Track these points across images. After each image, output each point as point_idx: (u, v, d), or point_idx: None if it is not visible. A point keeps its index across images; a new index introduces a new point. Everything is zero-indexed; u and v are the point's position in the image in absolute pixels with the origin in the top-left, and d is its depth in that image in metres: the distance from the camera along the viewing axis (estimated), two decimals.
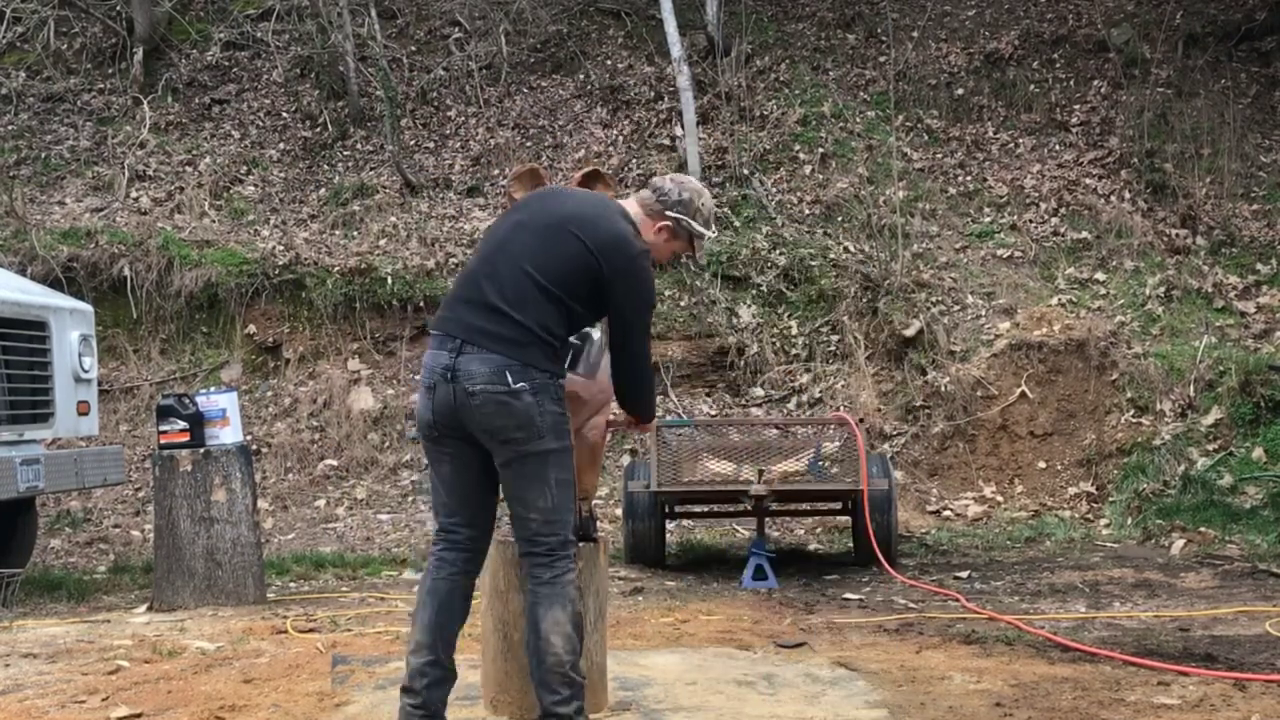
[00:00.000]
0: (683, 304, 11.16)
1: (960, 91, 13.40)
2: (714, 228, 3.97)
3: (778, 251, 11.37)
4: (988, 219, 12.00)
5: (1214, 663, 5.00)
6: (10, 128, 13.56)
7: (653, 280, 3.74)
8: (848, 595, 6.93)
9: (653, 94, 13.51)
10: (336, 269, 11.33)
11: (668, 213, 3.80)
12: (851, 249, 11.49)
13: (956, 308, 10.86)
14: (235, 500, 6.92)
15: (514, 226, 3.73)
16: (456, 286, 3.75)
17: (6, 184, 12.19)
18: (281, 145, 13.58)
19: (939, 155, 12.76)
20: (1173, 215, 11.74)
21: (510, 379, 3.50)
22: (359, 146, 13.47)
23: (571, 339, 3.78)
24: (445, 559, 3.74)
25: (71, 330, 7.75)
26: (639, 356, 3.80)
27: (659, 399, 10.72)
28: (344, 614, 6.52)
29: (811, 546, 8.94)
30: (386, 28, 14.56)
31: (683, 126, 12.49)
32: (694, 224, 3.82)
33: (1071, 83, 13.45)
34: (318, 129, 13.69)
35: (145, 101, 13.75)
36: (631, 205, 3.86)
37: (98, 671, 5.19)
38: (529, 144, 13.14)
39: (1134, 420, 9.68)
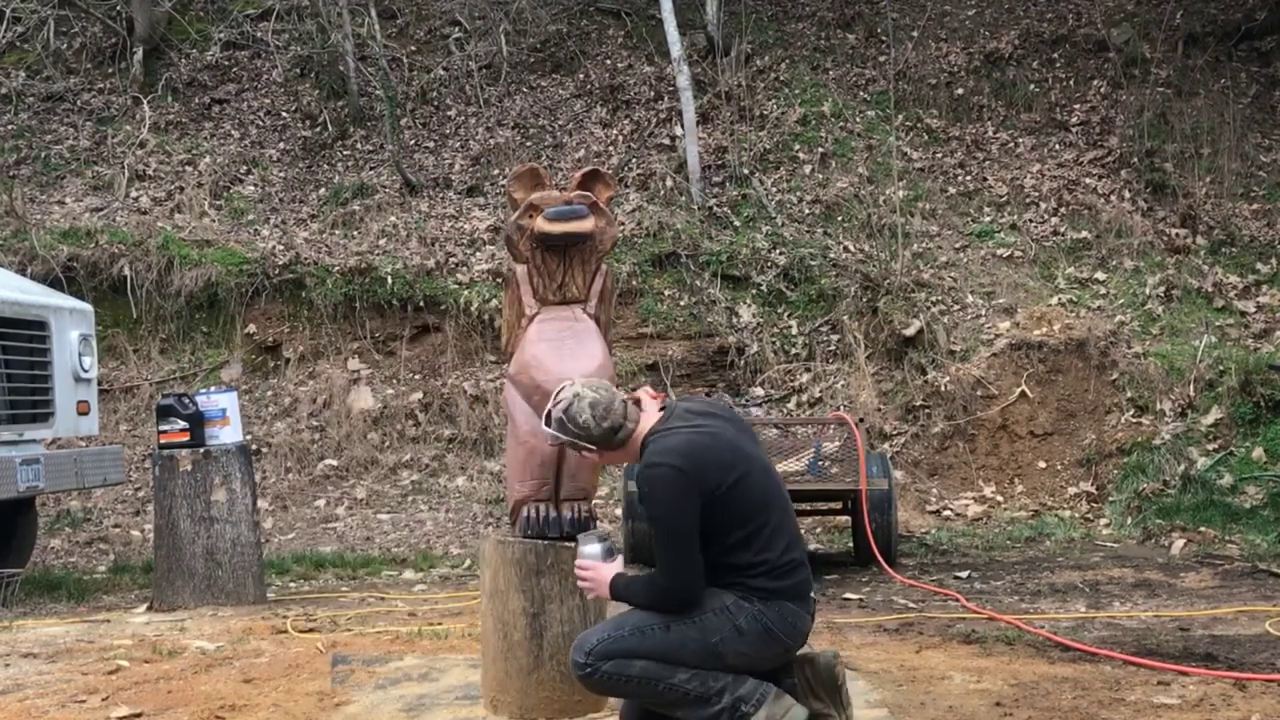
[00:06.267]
0: (683, 303, 11.15)
1: (960, 91, 13.39)
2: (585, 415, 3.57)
3: (778, 251, 11.37)
4: (988, 219, 12.00)
5: (1214, 662, 4.99)
6: (10, 128, 13.55)
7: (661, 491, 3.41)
8: (848, 595, 6.92)
9: (653, 94, 13.51)
10: (336, 269, 11.32)
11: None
12: (851, 249, 11.48)
13: (956, 307, 10.86)
14: (235, 500, 6.92)
15: (768, 476, 3.58)
16: (784, 543, 3.51)
17: (6, 184, 12.19)
18: (281, 145, 13.57)
19: (939, 155, 12.76)
20: (1173, 215, 11.73)
21: None
22: (359, 146, 13.46)
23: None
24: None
25: (71, 330, 7.75)
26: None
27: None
28: (344, 614, 6.52)
29: (811, 546, 8.94)
30: (386, 27, 14.56)
31: (683, 126, 12.49)
32: (577, 439, 3.57)
33: (1071, 82, 13.44)
34: (318, 129, 13.69)
35: (145, 101, 13.75)
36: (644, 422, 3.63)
37: (98, 671, 5.19)
38: (529, 144, 13.14)
39: (1134, 420, 9.67)
